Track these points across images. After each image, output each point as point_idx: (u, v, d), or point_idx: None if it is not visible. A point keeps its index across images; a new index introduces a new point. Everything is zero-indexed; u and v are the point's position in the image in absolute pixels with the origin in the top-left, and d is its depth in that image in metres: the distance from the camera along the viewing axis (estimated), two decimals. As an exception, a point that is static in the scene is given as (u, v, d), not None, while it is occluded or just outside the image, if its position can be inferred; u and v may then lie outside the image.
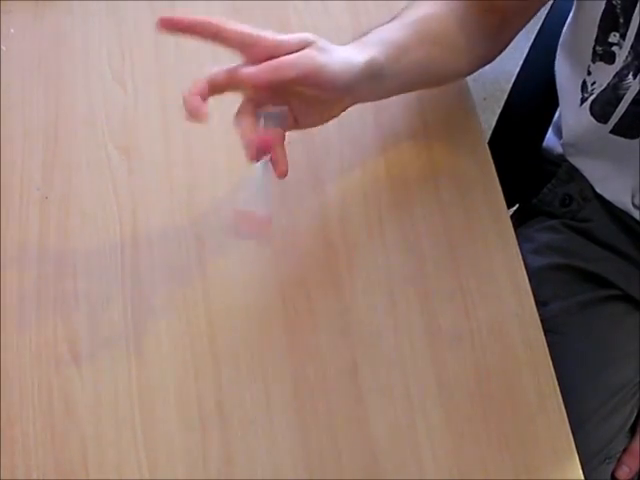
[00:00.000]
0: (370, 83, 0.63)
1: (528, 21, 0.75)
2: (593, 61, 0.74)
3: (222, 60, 0.81)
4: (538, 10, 0.75)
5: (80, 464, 0.64)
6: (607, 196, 0.85)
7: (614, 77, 0.72)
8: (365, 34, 0.66)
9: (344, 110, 0.66)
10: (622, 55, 0.70)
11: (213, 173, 0.76)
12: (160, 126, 0.78)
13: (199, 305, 0.70)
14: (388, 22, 0.68)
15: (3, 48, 0.84)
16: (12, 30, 0.85)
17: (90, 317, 0.70)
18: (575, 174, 0.87)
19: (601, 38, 0.71)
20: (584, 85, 0.78)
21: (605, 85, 0.74)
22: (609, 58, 0.72)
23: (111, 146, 0.77)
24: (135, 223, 0.74)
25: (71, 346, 0.68)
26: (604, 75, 0.74)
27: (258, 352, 0.68)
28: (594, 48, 0.73)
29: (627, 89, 0.71)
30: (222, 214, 0.74)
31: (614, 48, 0.70)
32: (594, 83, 0.76)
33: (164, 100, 0.80)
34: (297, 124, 0.64)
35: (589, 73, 0.76)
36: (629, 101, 0.72)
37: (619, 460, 0.82)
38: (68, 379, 0.67)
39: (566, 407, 0.66)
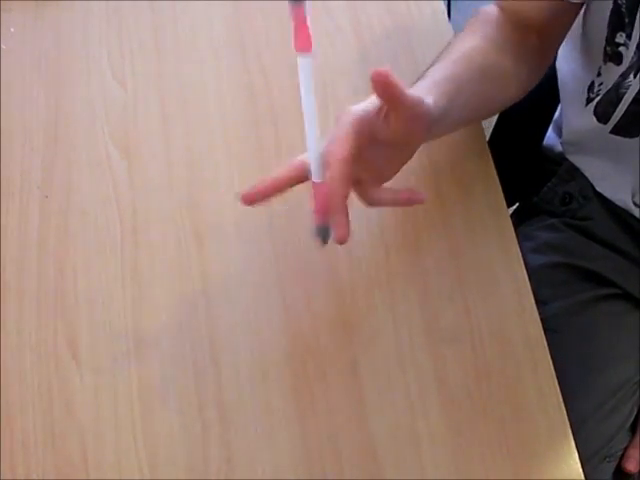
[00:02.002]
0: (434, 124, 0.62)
1: (565, 34, 0.75)
2: (604, 62, 0.74)
3: (223, 60, 0.82)
4: (573, 21, 0.74)
5: (80, 464, 0.64)
6: (607, 194, 0.84)
7: (619, 78, 0.72)
8: (418, 79, 0.65)
9: (412, 156, 0.63)
10: (629, 56, 0.70)
11: (213, 173, 0.76)
12: (160, 126, 0.78)
13: (199, 305, 0.70)
14: (433, 65, 0.67)
15: (3, 47, 0.84)
16: (12, 29, 0.85)
17: (90, 317, 0.70)
18: (575, 173, 0.87)
19: (610, 38, 0.71)
20: (591, 86, 0.78)
21: (610, 86, 0.74)
22: (617, 59, 0.72)
23: (111, 146, 0.78)
24: (135, 223, 0.74)
25: (71, 346, 0.69)
26: (611, 76, 0.73)
27: (258, 352, 0.68)
28: (605, 48, 0.73)
29: (627, 88, 0.71)
30: (222, 213, 0.74)
31: (621, 48, 0.70)
32: (601, 84, 0.76)
33: (164, 100, 0.80)
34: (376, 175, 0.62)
35: (599, 74, 0.76)
36: (629, 101, 0.72)
37: (623, 455, 0.82)
38: (68, 379, 0.67)
39: (566, 406, 0.66)
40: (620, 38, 0.70)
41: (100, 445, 0.65)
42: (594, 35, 0.74)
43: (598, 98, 0.76)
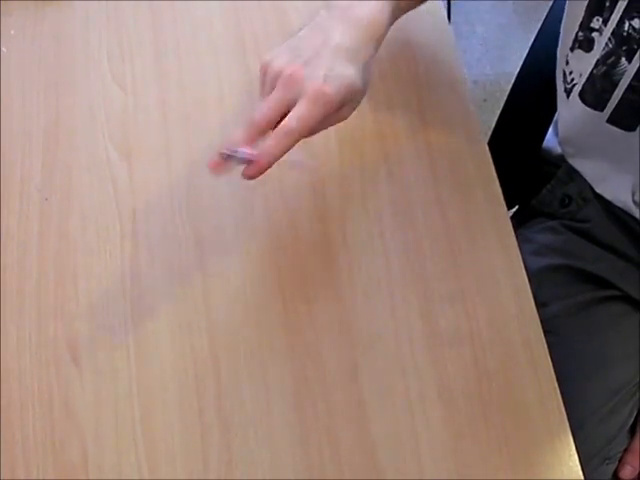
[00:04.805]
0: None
1: None
2: (572, 49, 0.74)
3: (223, 60, 0.82)
4: None
5: (80, 464, 0.64)
6: (607, 196, 0.84)
7: (597, 65, 0.72)
8: None
9: None
10: (601, 42, 0.69)
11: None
12: (160, 126, 0.78)
13: (199, 305, 0.70)
14: None
15: (3, 49, 0.84)
16: (12, 31, 0.85)
17: (90, 317, 0.70)
18: (574, 175, 0.87)
19: (585, 23, 0.71)
20: (564, 76, 0.78)
21: (588, 74, 0.73)
22: (587, 45, 0.71)
23: (111, 146, 0.78)
24: (135, 223, 0.74)
25: (71, 346, 0.68)
26: (582, 64, 0.73)
27: (258, 352, 0.68)
28: (577, 34, 0.72)
29: (622, 74, 0.70)
30: (222, 214, 0.74)
31: (594, 34, 0.70)
32: (571, 73, 0.76)
33: (164, 100, 0.80)
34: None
35: (567, 63, 0.76)
36: (624, 87, 0.71)
37: (621, 460, 0.82)
38: (68, 379, 0.67)
39: (566, 407, 0.66)
40: (596, 23, 0.69)
41: (100, 446, 0.65)
42: (570, 21, 0.73)
43: (578, 87, 0.76)
